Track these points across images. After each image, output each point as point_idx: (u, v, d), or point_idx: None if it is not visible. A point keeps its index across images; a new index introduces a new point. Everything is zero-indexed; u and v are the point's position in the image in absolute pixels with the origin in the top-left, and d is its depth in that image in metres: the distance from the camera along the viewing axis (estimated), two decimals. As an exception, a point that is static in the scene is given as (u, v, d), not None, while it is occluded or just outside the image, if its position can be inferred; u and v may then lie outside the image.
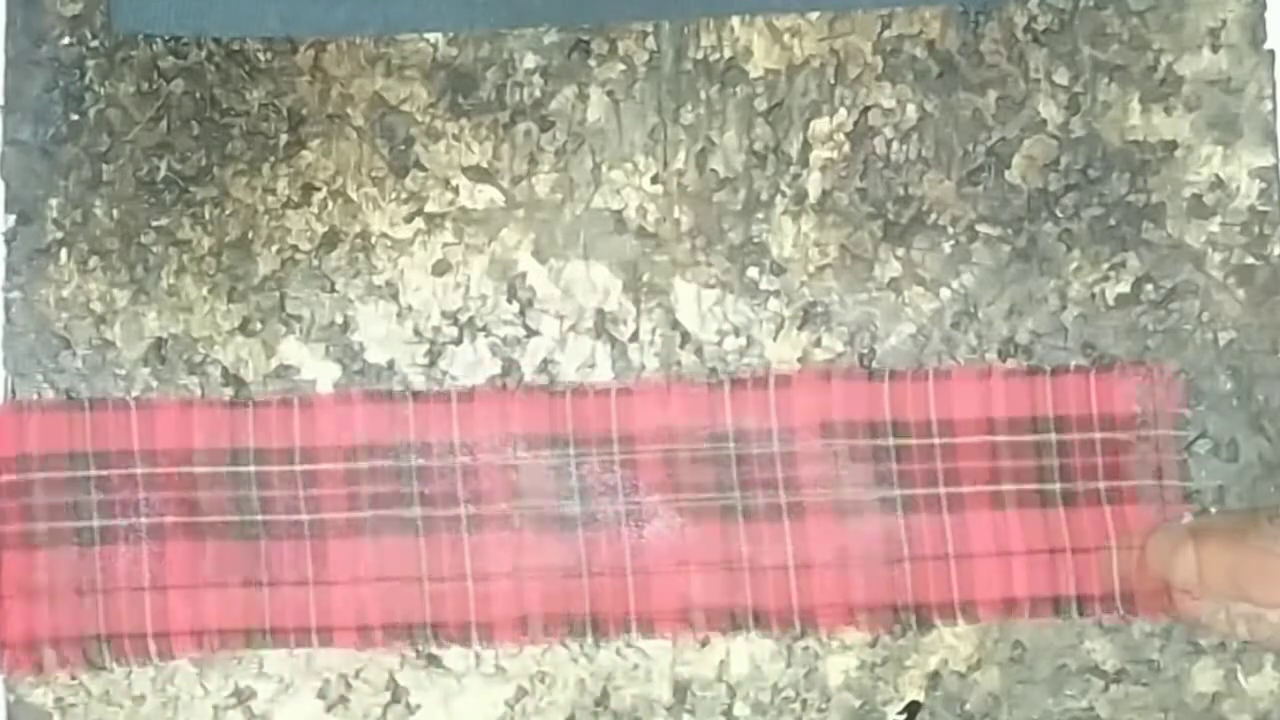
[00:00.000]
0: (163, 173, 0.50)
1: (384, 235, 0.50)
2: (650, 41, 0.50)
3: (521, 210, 0.50)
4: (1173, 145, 0.50)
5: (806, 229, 0.50)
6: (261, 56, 0.50)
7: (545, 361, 0.50)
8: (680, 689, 0.49)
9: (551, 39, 0.50)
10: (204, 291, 0.50)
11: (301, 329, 0.50)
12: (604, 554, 0.48)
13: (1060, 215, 0.50)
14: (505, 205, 0.50)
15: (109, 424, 0.48)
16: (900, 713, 0.49)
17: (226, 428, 0.48)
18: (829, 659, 0.49)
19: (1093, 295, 0.50)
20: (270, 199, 0.50)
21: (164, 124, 0.50)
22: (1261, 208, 0.50)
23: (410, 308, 0.50)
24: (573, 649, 0.49)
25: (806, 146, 0.50)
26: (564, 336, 0.50)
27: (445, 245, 0.50)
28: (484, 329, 0.50)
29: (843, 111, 0.50)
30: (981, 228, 0.50)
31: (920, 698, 0.49)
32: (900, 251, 0.50)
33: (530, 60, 0.50)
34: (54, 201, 0.50)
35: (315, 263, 0.50)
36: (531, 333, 0.50)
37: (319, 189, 0.50)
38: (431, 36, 0.50)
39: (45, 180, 0.50)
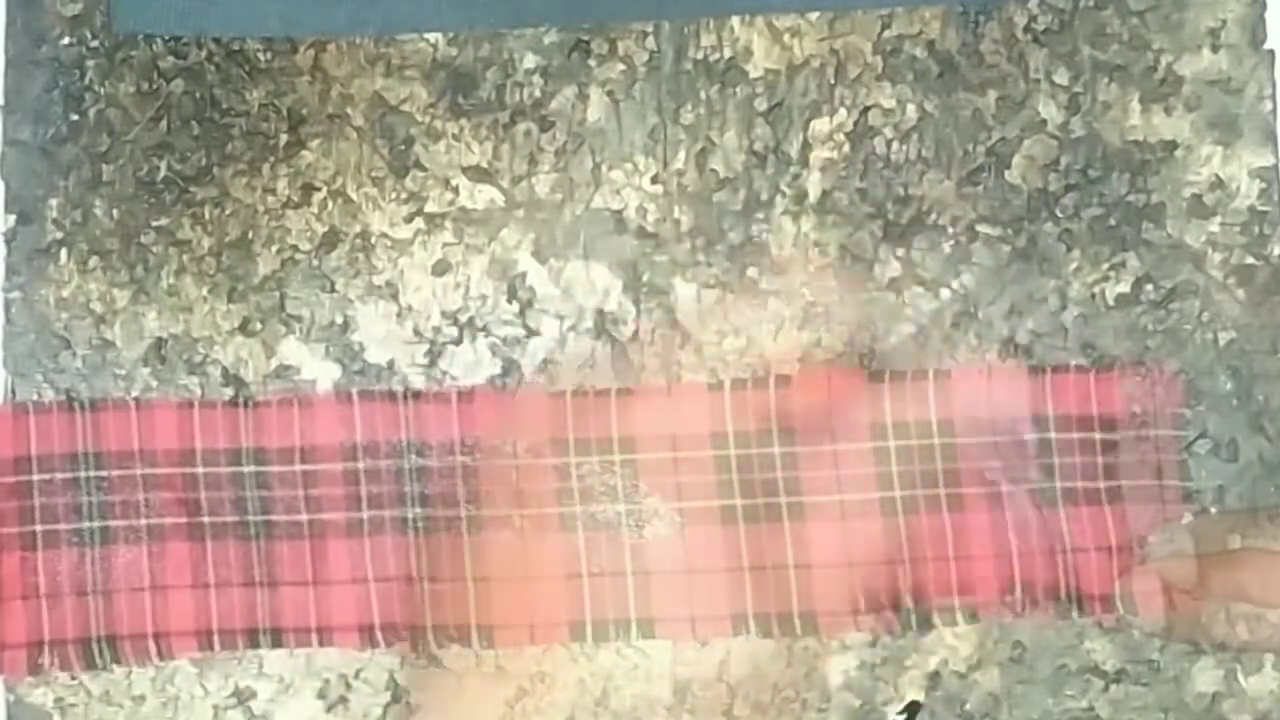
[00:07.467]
0: (163, 173, 0.50)
1: (384, 235, 0.50)
2: (650, 41, 0.50)
3: (521, 210, 0.50)
4: (1173, 145, 0.50)
5: (806, 229, 0.50)
6: (261, 56, 0.50)
7: (545, 362, 0.50)
8: (680, 689, 0.49)
9: (551, 39, 0.50)
10: (204, 291, 0.50)
11: (301, 329, 0.50)
12: (604, 555, 0.48)
13: (1060, 215, 0.50)
14: (505, 205, 0.50)
15: (109, 425, 0.48)
16: (900, 713, 0.49)
17: (226, 428, 0.48)
18: (829, 659, 0.49)
19: (1093, 295, 0.50)
20: (270, 199, 0.50)
21: (164, 124, 0.50)
22: (1261, 208, 0.50)
23: (410, 308, 0.50)
24: (573, 649, 0.49)
25: (806, 146, 0.50)
26: (564, 336, 0.50)
27: (445, 245, 0.50)
28: (484, 329, 0.50)
29: (843, 111, 0.50)
30: (981, 228, 0.50)
31: (920, 698, 0.49)
32: (900, 251, 0.50)
33: (530, 60, 0.50)
34: (54, 201, 0.50)
35: (315, 263, 0.50)
36: (531, 333, 0.50)
37: (319, 189, 0.50)
38: (431, 36, 0.50)
39: (45, 180, 0.50)
